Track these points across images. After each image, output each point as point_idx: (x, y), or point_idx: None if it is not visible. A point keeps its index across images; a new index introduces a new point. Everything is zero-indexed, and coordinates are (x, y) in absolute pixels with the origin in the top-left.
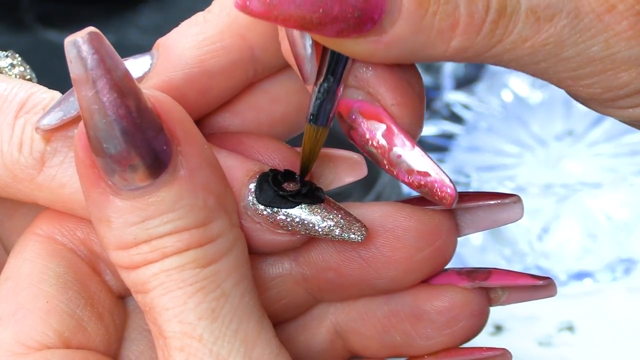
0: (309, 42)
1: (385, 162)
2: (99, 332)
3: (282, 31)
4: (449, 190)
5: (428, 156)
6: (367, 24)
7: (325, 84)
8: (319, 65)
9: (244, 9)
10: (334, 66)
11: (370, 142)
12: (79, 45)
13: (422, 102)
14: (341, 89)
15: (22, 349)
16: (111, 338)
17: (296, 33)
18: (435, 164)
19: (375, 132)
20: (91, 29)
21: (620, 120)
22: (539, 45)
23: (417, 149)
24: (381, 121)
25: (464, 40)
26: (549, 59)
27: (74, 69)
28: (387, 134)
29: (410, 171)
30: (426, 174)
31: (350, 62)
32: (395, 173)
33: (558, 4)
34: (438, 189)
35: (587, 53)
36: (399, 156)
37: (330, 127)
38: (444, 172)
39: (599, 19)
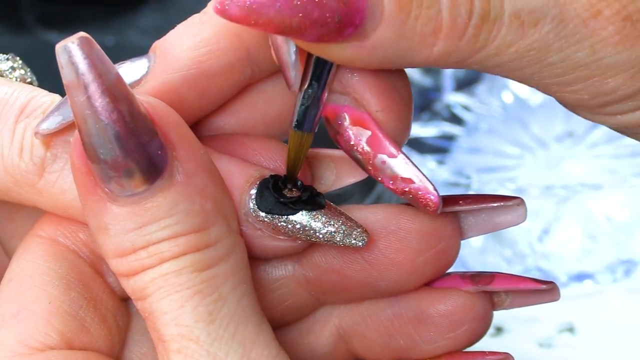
0: (292, 49)
1: (369, 167)
2: (101, 334)
3: (271, 39)
4: (432, 197)
5: (412, 163)
6: (348, 28)
7: (310, 90)
8: (303, 71)
9: (222, 13)
10: (318, 72)
11: (355, 148)
12: (70, 50)
13: (408, 108)
14: (326, 94)
15: (25, 350)
16: (114, 339)
17: (280, 39)
18: (419, 171)
19: (360, 138)
20: (82, 34)
21: (610, 127)
22: (524, 50)
23: (401, 156)
24: (366, 127)
25: (447, 45)
26: (534, 64)
27: (66, 74)
28: (372, 140)
29: (394, 177)
30: (410, 181)
31: (334, 68)
32: (379, 179)
33: (543, 9)
34: (422, 196)
35: (573, 59)
36: (384, 162)
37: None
38: (427, 179)
39: (585, 24)
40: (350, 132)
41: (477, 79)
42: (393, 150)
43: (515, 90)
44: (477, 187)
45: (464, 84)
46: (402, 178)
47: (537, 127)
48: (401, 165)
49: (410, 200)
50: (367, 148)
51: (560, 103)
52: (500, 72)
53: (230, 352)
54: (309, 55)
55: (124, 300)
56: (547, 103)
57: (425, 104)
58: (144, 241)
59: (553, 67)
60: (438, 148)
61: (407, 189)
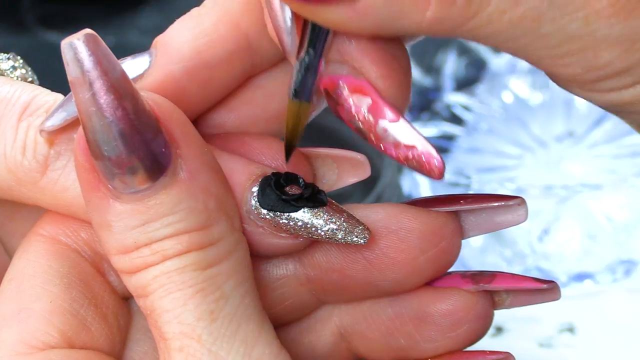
0: (288, 15)
1: (372, 136)
2: (102, 333)
3: (266, 10)
4: (436, 162)
5: (414, 128)
6: None
7: (307, 58)
8: (299, 39)
9: None
10: (314, 39)
11: (356, 117)
12: (76, 47)
13: (407, 75)
14: (323, 63)
15: (26, 349)
16: (115, 338)
17: (276, 5)
18: (422, 135)
19: (361, 106)
20: (88, 30)
21: (601, 106)
22: (517, 19)
23: (403, 122)
24: (366, 94)
25: (439, 11)
26: (527, 34)
27: (71, 71)
28: (373, 108)
29: (397, 144)
30: (413, 147)
31: (331, 36)
32: (382, 147)
33: None
34: (425, 161)
35: (566, 30)
36: (385, 130)
37: (332, 127)
38: (430, 144)
39: None
40: (351, 101)
41: (477, 79)
42: (394, 116)
43: (515, 90)
44: (477, 187)
45: (464, 84)
46: (404, 144)
47: (537, 127)
48: (403, 130)
49: (414, 167)
50: (368, 115)
51: (553, 79)
52: (494, 42)
53: (232, 351)
54: (305, 22)
55: (125, 299)
56: (547, 103)
57: (425, 104)
58: (147, 238)
59: (547, 37)
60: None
61: (410, 155)
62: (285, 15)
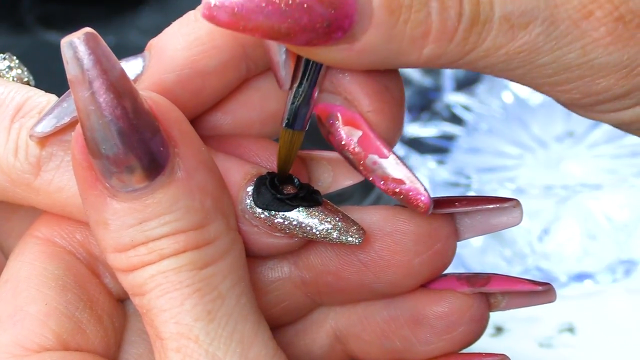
0: (283, 48)
1: (361, 168)
2: (97, 335)
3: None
4: (422, 198)
5: (404, 164)
6: (337, 32)
7: (300, 89)
8: (293, 69)
9: (211, 19)
10: (308, 71)
11: (346, 148)
12: (76, 45)
13: (400, 108)
14: (316, 93)
15: (21, 351)
16: (110, 341)
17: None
18: (411, 171)
19: (352, 138)
20: (87, 29)
21: (605, 123)
22: (514, 52)
23: (392, 157)
24: (358, 127)
25: (437, 48)
26: (524, 66)
27: (71, 70)
28: (363, 141)
29: (385, 178)
30: (401, 182)
31: (324, 67)
32: (371, 179)
33: (533, 11)
34: (412, 197)
35: (564, 60)
36: (375, 163)
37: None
38: (418, 180)
39: (576, 26)
40: (342, 132)
41: (477, 79)
42: (384, 150)
43: (515, 90)
44: (477, 187)
45: (464, 84)
46: (392, 179)
47: (537, 127)
48: (392, 165)
49: (401, 201)
50: (358, 148)
51: (555, 100)
52: (491, 73)
53: (228, 351)
54: (299, 56)
55: (120, 302)
56: (547, 103)
57: (425, 104)
58: (144, 237)
59: (544, 68)
60: (438, 148)
61: (397, 190)
62: (280, 49)
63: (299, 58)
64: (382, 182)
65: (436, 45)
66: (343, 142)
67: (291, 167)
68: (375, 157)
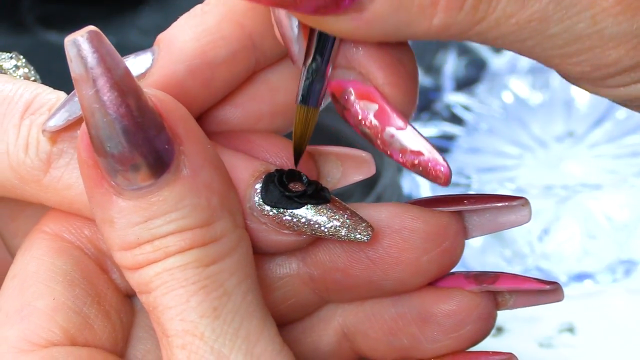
0: (295, 23)
1: (378, 142)
2: (105, 330)
3: (273, 14)
4: (442, 168)
5: (421, 135)
6: (345, 0)
7: (314, 64)
8: (306, 45)
9: None
10: (321, 46)
11: (363, 122)
12: (79, 44)
13: (414, 81)
14: (330, 68)
15: (28, 346)
16: (118, 336)
17: (282, 14)
18: (429, 142)
19: (368, 112)
20: (91, 27)
21: (612, 100)
22: (524, 22)
23: (410, 128)
24: (373, 101)
25: (446, 17)
26: (534, 36)
27: (74, 68)
28: (380, 114)
29: (403, 150)
30: (419, 153)
31: (338, 42)
32: (389, 153)
33: None
34: (432, 168)
35: (574, 30)
36: (392, 136)
37: (334, 126)
38: (437, 150)
39: None
40: (357, 107)
41: (477, 79)
42: (401, 122)
43: (515, 90)
44: (477, 187)
45: (464, 84)
46: (411, 151)
47: (537, 127)
48: (410, 137)
49: (420, 173)
50: (375, 122)
51: (563, 76)
52: (502, 44)
53: (234, 349)
54: (312, 29)
55: (128, 297)
56: (547, 103)
57: (425, 104)
58: (150, 235)
59: (554, 38)
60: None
61: (416, 162)
62: (292, 23)
63: (311, 33)
64: (400, 155)
65: (446, 14)
66: (359, 117)
67: (307, 145)
68: (393, 129)
